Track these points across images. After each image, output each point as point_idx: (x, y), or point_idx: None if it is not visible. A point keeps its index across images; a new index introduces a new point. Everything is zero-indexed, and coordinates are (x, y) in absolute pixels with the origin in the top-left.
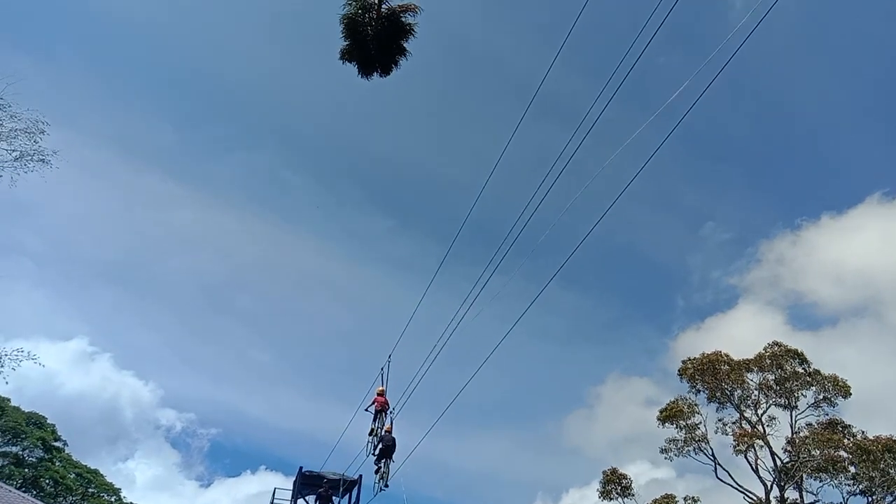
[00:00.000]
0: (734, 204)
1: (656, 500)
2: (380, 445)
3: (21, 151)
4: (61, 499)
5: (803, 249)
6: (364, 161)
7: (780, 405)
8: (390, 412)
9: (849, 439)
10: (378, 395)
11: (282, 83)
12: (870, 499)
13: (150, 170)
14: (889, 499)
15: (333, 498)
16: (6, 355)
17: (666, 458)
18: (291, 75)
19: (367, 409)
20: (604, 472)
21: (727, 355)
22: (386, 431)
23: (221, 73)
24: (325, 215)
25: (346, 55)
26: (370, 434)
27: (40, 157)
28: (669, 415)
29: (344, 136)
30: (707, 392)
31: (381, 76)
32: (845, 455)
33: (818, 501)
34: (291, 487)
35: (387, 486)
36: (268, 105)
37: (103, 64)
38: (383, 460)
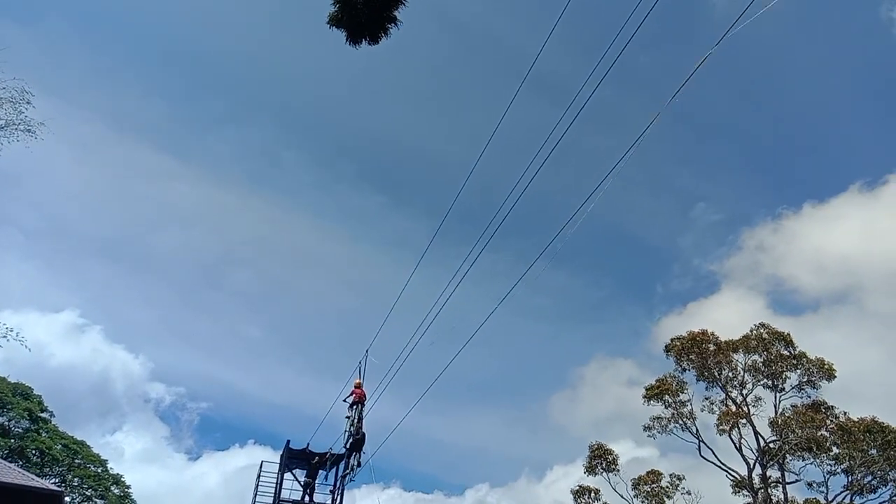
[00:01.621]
0: (725, 185)
1: (642, 476)
2: (351, 440)
3: (6, 121)
4: (47, 469)
5: (785, 237)
6: (358, 138)
7: (766, 386)
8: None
9: (832, 420)
10: (356, 387)
11: (275, 58)
12: (850, 478)
13: (144, 144)
14: (868, 478)
15: (321, 471)
16: None
17: (649, 435)
18: (285, 51)
19: (344, 400)
20: (590, 447)
21: (714, 334)
22: (357, 427)
23: (214, 46)
24: (319, 191)
25: (335, 21)
26: (347, 417)
27: (26, 127)
28: (656, 392)
29: (338, 113)
30: (695, 371)
31: (369, 44)
32: (828, 435)
33: (800, 480)
34: (278, 461)
35: (359, 464)
36: (261, 80)
37: (95, 37)
38: (354, 453)
